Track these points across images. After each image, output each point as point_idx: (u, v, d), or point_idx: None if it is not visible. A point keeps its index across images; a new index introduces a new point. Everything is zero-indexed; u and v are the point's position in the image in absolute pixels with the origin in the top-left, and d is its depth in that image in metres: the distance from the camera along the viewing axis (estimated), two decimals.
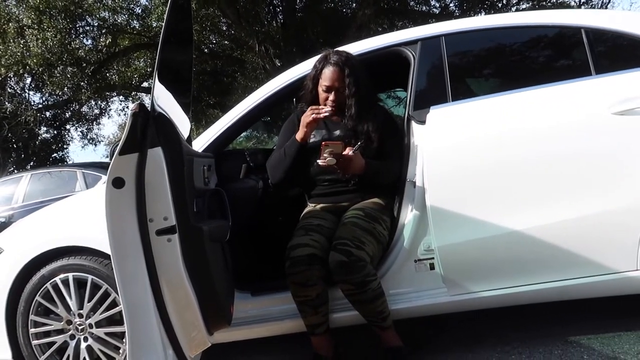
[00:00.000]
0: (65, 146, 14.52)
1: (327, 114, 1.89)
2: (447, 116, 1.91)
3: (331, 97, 1.99)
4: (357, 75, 1.99)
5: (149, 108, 1.42)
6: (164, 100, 1.54)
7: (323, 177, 2.04)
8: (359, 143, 1.91)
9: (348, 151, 1.86)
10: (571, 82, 1.88)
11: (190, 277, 1.46)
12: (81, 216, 2.15)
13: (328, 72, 1.99)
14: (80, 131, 13.74)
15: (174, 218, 1.42)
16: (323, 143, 1.82)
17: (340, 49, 2.10)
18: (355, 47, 2.16)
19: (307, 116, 1.91)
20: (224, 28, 10.88)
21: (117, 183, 1.35)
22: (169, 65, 1.63)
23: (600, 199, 1.77)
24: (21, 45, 8.44)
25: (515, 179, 1.82)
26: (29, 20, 8.40)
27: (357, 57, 2.06)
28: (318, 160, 1.83)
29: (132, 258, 1.39)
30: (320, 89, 2.02)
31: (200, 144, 2.14)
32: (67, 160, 14.39)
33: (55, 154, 14.42)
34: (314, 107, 1.92)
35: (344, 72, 1.97)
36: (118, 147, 1.35)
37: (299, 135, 1.95)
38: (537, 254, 1.81)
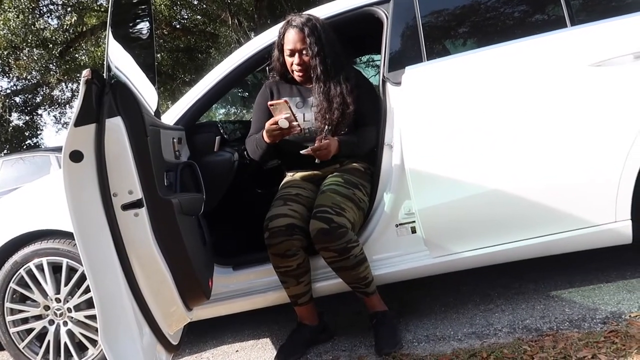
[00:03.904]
0: (39, 132, 14.15)
1: (296, 131, 1.82)
2: (422, 76, 1.86)
3: (295, 60, 1.96)
4: (319, 35, 1.93)
5: (104, 75, 1.34)
6: (123, 66, 1.45)
7: (300, 147, 1.99)
8: (326, 128, 1.89)
9: (317, 142, 1.83)
10: (546, 35, 1.84)
11: (162, 252, 1.41)
12: (51, 198, 2.08)
13: (289, 36, 1.96)
14: (54, 116, 13.38)
15: (140, 191, 1.36)
16: (268, 104, 1.82)
17: (306, 12, 2.03)
18: (325, 10, 2.08)
19: (272, 130, 1.83)
20: (195, 2, 10.56)
21: (75, 156, 1.28)
22: (125, 35, 1.54)
23: (579, 152, 1.75)
24: None
25: (492, 136, 1.79)
26: None
27: (325, 20, 2.00)
28: (301, 151, 1.84)
29: (97, 235, 1.32)
30: (285, 55, 1.98)
31: (170, 117, 2.07)
32: (42, 146, 14.03)
33: (29, 141, 14.04)
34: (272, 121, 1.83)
35: (304, 32, 1.93)
36: (72, 118, 1.28)
37: (266, 138, 1.89)
38: (518, 212, 1.80)
